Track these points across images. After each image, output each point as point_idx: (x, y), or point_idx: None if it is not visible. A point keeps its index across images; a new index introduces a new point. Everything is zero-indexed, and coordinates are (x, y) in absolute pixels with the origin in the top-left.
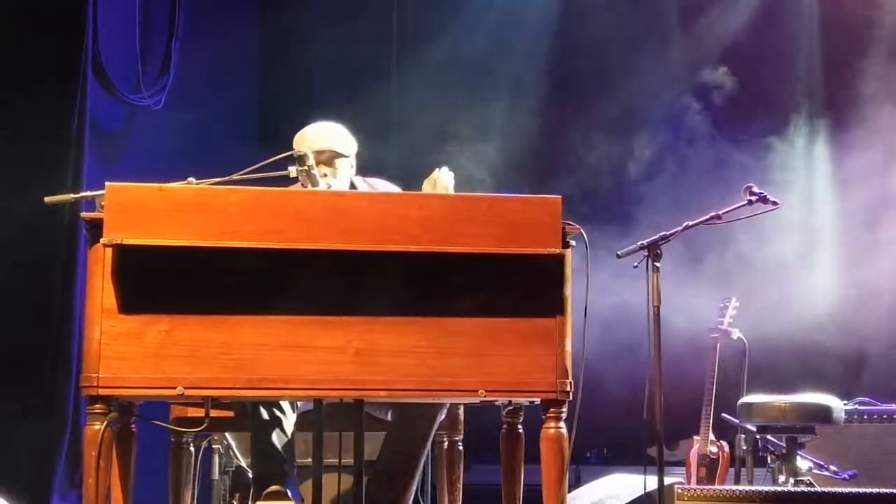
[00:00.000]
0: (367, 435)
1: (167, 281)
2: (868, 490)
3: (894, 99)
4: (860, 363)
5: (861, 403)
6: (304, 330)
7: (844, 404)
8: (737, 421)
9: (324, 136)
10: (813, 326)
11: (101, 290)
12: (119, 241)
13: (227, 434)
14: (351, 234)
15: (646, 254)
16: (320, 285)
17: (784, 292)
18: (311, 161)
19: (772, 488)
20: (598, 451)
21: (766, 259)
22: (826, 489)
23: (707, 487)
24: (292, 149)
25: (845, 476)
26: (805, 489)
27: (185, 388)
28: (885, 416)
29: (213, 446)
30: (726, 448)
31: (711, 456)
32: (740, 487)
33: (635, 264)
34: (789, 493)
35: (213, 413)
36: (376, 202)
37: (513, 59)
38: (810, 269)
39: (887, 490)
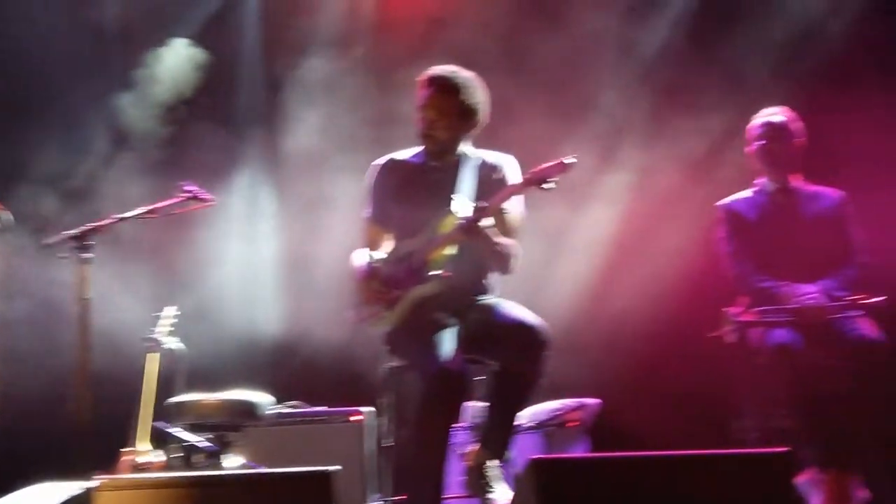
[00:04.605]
0: None
1: None
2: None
3: None
4: (306, 370)
5: (295, 406)
6: None
7: (276, 406)
8: (169, 428)
9: None
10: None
11: None
12: None
13: None
14: None
15: (74, 244)
16: None
17: (236, 299)
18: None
19: (194, 473)
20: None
21: (216, 264)
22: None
23: (128, 477)
24: None
25: None
26: (228, 472)
27: None
28: (310, 418)
29: None
30: (162, 457)
31: (147, 467)
32: (162, 474)
33: (63, 255)
34: (209, 476)
35: None
36: None
37: None
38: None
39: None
